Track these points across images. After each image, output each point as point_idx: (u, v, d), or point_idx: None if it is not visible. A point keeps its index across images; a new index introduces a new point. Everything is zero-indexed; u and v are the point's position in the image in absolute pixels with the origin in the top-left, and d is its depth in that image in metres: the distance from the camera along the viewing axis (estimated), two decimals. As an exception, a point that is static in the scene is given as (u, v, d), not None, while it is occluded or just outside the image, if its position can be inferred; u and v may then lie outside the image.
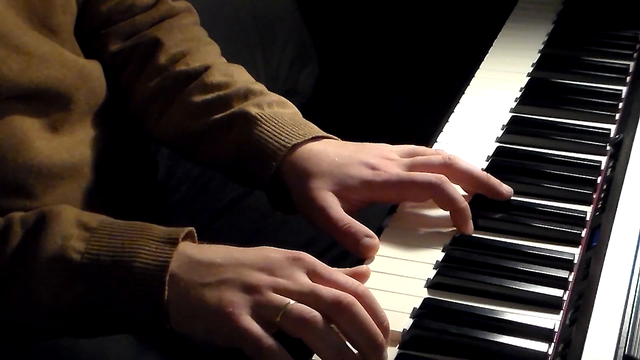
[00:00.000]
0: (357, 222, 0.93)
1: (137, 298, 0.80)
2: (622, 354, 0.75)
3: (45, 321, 0.83)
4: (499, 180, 0.98)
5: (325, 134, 1.02)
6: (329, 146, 0.99)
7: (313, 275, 0.81)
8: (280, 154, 0.97)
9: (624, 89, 1.24)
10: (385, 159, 0.98)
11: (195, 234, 0.86)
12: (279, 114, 1.02)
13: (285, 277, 0.80)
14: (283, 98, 1.06)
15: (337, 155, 0.97)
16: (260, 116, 1.01)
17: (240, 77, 1.07)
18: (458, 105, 1.21)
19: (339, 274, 0.82)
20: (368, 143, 1.01)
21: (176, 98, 1.06)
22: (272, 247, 0.84)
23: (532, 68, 1.30)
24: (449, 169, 0.97)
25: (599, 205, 0.98)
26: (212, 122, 1.03)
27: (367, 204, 0.97)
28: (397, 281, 0.89)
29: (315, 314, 0.77)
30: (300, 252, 0.83)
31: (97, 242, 0.83)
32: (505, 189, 0.98)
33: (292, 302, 0.78)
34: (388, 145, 1.01)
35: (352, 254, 0.93)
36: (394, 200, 0.98)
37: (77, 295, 0.81)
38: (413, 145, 1.02)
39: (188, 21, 1.15)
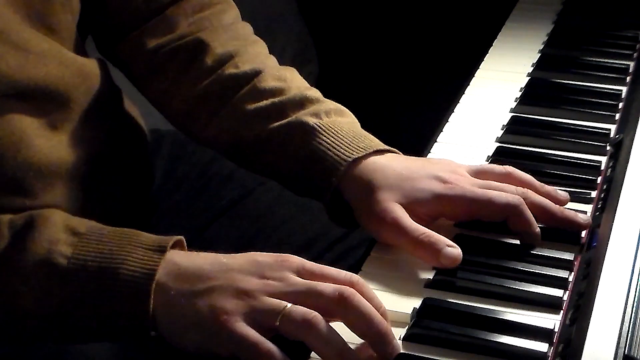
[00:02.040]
0: (433, 232, 0.90)
1: (122, 305, 0.79)
2: (622, 354, 0.75)
3: (29, 325, 0.82)
4: (573, 212, 0.94)
5: (386, 147, 0.98)
6: (394, 160, 0.96)
7: (304, 273, 0.81)
8: (341, 168, 0.94)
9: (624, 89, 1.24)
10: (456, 174, 0.94)
11: (185, 243, 0.85)
12: (337, 123, 0.98)
13: (276, 279, 0.79)
14: (340, 105, 1.03)
15: (405, 169, 0.94)
16: (319, 126, 0.97)
17: (293, 82, 1.04)
18: (458, 105, 1.21)
19: (329, 267, 0.82)
20: (434, 158, 0.99)
21: (227, 103, 1.03)
22: (259, 252, 0.83)
23: (532, 68, 1.30)
24: (524, 197, 0.93)
25: (599, 205, 0.97)
26: (267, 131, 1.00)
27: (435, 220, 0.94)
28: (397, 281, 0.89)
29: (316, 314, 0.77)
30: (286, 254, 0.82)
31: (84, 248, 0.82)
32: (582, 218, 0.93)
33: (289, 305, 0.78)
34: (455, 162, 0.98)
35: (352, 254, 0.93)
36: (462, 217, 0.94)
37: (62, 300, 0.81)
38: (482, 164, 0.99)
39: (230, 18, 1.11)
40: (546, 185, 0.97)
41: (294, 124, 0.98)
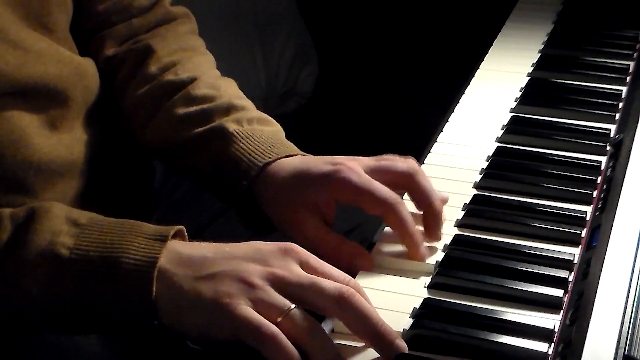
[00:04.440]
0: (344, 239, 0.92)
1: (125, 293, 0.80)
2: (622, 354, 0.75)
3: (33, 316, 0.83)
4: (442, 224, 0.94)
5: (302, 153, 1.00)
6: (298, 158, 0.98)
7: (306, 267, 0.81)
8: (252, 173, 0.97)
9: (624, 89, 1.24)
10: (353, 160, 0.95)
11: (185, 233, 0.85)
12: (257, 131, 1.01)
13: (279, 267, 0.80)
14: (267, 116, 1.05)
15: (303, 162, 0.96)
16: (238, 133, 1.00)
17: (226, 91, 1.06)
18: (458, 105, 1.21)
19: (331, 267, 0.82)
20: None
21: (161, 108, 1.06)
22: (262, 241, 0.83)
23: (532, 68, 1.30)
24: (410, 179, 0.94)
25: (599, 205, 0.98)
26: (192, 135, 1.02)
27: (335, 205, 0.94)
28: (397, 281, 0.89)
29: (318, 324, 0.78)
30: (291, 243, 0.83)
31: (86, 239, 0.82)
32: (438, 236, 0.93)
33: (293, 306, 0.78)
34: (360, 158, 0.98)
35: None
36: (350, 202, 0.94)
37: (65, 291, 0.81)
38: (385, 157, 0.99)
39: (185, 29, 1.14)
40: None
41: (215, 129, 1.01)
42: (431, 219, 0.94)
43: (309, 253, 0.82)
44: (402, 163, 0.95)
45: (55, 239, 0.82)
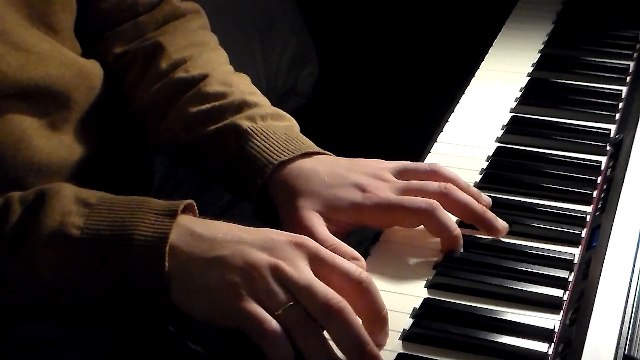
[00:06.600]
0: (343, 243, 0.91)
1: (137, 270, 0.80)
2: (622, 354, 0.75)
3: (46, 298, 0.82)
4: (494, 215, 0.95)
5: (317, 149, 0.99)
6: (320, 164, 0.97)
7: (315, 259, 0.81)
8: (267, 171, 0.96)
9: (624, 89, 1.24)
10: (378, 179, 0.95)
11: (195, 207, 0.85)
12: (271, 127, 1.00)
13: (286, 260, 0.80)
14: (280, 110, 1.04)
15: (328, 175, 0.95)
16: (252, 130, 0.99)
17: (239, 87, 1.05)
18: (458, 105, 1.21)
19: (342, 259, 0.82)
20: (362, 159, 0.99)
21: (173, 106, 1.05)
22: (275, 230, 0.83)
23: (532, 68, 1.30)
24: (444, 198, 0.93)
25: (599, 205, 0.98)
26: (205, 133, 1.02)
27: (356, 227, 0.95)
28: (397, 281, 0.89)
29: (314, 324, 0.77)
30: (304, 236, 0.82)
31: (96, 218, 0.82)
32: (501, 224, 0.94)
33: (292, 303, 0.78)
34: (382, 161, 0.99)
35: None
36: (384, 225, 0.95)
37: (78, 271, 0.81)
38: (407, 163, 0.99)
39: (195, 25, 1.13)
40: (472, 186, 0.97)
41: (229, 127, 1.00)
42: (478, 224, 0.94)
43: (319, 246, 0.82)
44: (433, 185, 0.94)
45: (66, 219, 0.82)
